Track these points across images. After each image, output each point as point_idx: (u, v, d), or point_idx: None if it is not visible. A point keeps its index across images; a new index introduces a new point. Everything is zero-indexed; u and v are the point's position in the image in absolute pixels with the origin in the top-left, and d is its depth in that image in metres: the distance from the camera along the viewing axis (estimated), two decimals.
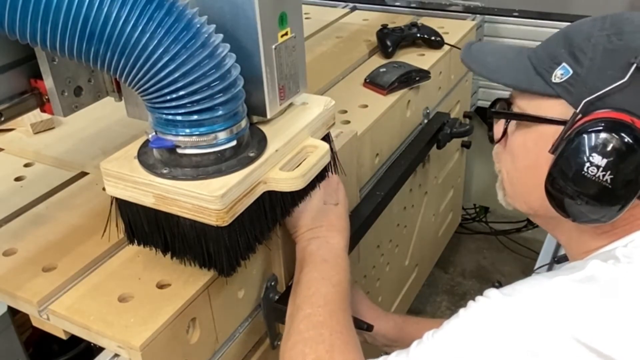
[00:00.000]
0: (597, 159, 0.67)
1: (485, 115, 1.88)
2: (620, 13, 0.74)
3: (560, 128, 0.71)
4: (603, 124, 0.68)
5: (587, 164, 0.68)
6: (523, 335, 0.62)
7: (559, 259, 1.13)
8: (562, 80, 0.73)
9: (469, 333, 0.66)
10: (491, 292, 0.68)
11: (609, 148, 0.67)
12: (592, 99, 0.69)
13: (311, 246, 0.87)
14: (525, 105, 0.78)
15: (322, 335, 0.78)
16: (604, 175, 0.67)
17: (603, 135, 0.67)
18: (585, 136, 0.68)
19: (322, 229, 0.89)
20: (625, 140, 0.66)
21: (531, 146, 0.77)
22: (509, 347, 0.63)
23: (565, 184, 0.70)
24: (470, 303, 0.69)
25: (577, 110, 0.70)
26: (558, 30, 0.78)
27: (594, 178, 0.68)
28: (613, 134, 0.67)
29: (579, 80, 0.72)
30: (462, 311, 0.69)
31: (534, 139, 0.76)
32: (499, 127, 0.83)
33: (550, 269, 1.17)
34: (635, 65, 0.67)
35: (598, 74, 0.70)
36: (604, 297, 0.64)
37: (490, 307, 0.67)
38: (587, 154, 0.68)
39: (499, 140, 0.83)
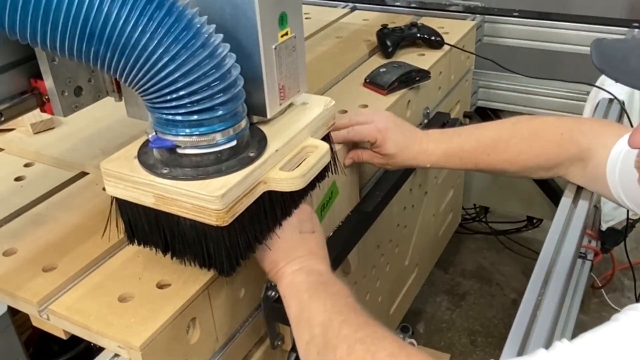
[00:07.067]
0: None
1: (485, 116, 1.88)
2: None
3: None
4: None
5: None
6: None
7: None
8: None
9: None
10: None
11: None
12: None
13: (299, 277, 0.78)
14: None
15: (377, 333, 0.70)
16: None
17: None
18: None
19: (303, 259, 0.80)
20: None
21: None
22: None
23: None
24: (628, 311, 0.60)
25: None
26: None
27: None
28: None
29: None
30: (622, 316, 0.60)
31: None
32: None
33: None
34: None
35: None
36: None
37: None
38: None
39: None
